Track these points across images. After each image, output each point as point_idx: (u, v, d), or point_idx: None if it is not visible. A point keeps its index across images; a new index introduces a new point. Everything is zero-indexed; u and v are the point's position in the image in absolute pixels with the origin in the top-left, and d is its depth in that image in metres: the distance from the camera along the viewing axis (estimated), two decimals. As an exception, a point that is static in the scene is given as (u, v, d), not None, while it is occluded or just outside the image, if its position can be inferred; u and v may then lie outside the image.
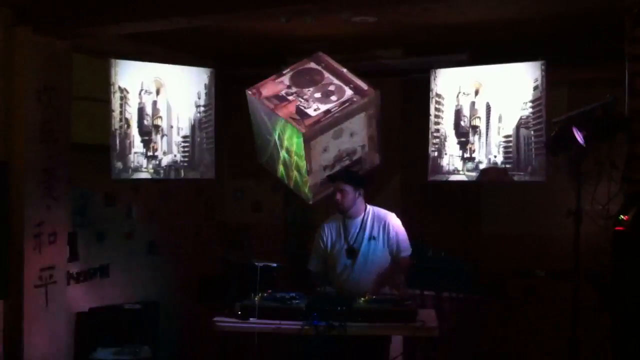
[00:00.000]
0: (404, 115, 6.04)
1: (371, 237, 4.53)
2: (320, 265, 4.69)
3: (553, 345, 5.08)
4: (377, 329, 4.09)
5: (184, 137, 5.63)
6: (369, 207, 4.63)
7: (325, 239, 4.66)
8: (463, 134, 5.30)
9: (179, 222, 6.39)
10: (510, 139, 5.15)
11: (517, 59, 5.15)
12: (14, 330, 4.73)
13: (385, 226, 4.54)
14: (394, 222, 4.58)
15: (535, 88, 5.04)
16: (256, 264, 4.25)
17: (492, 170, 5.18)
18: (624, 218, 3.42)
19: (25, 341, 4.73)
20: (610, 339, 3.71)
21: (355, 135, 5.14)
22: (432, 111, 5.41)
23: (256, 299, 4.23)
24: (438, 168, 5.41)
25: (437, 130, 5.39)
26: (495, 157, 5.21)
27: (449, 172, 5.37)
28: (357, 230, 4.57)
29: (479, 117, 5.25)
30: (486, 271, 5.70)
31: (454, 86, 5.36)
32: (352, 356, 4.22)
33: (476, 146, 5.24)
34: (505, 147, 5.18)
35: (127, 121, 5.36)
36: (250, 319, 4.13)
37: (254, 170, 6.00)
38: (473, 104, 5.28)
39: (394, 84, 5.96)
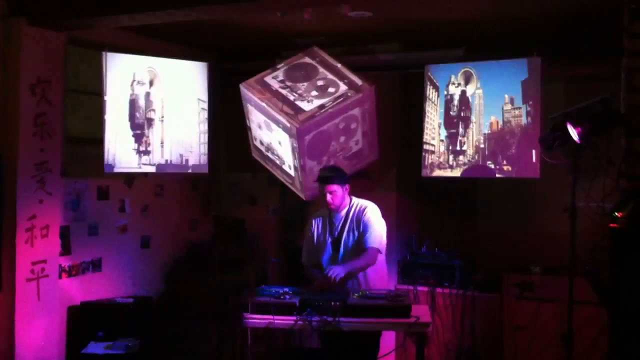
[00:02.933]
0: (401, 110, 6.01)
1: (353, 229, 4.59)
2: (312, 258, 4.71)
3: (549, 341, 5.07)
4: (371, 325, 4.08)
5: (178, 131, 5.61)
6: (354, 199, 4.69)
7: (313, 232, 4.74)
8: (453, 125, 5.29)
9: (173, 216, 6.37)
10: (506, 134, 5.13)
11: (514, 55, 5.13)
12: (6, 324, 4.72)
13: (361, 215, 4.59)
14: (369, 211, 4.62)
15: (532, 83, 5.01)
16: (252, 259, 4.23)
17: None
18: (618, 215, 3.41)
19: (17, 335, 4.72)
20: (608, 335, 3.69)
21: (349, 131, 5.13)
22: (426, 108, 5.40)
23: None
24: (432, 164, 5.39)
25: (432, 126, 5.37)
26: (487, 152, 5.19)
27: (443, 168, 5.36)
28: (341, 222, 4.64)
29: (470, 109, 5.24)
30: (481, 267, 5.70)
31: (445, 79, 5.34)
32: (343, 350, 4.22)
33: (467, 139, 5.23)
34: (499, 143, 5.16)
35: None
36: (244, 314, 4.12)
37: (250, 164, 5.99)
38: (464, 92, 5.26)
39: (391, 78, 5.93)
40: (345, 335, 4.04)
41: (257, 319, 4.09)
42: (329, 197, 4.55)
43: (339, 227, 4.63)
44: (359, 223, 4.58)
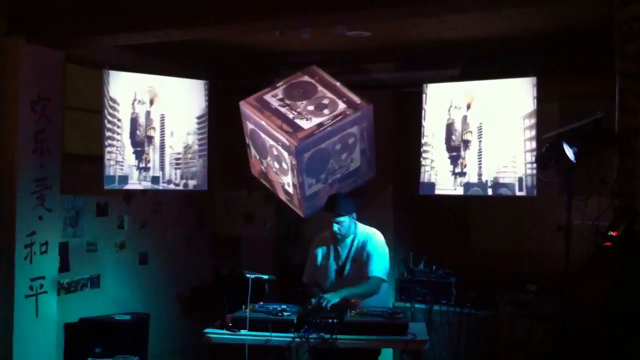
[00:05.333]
0: (397, 129, 6.06)
1: (357, 258, 4.57)
2: (313, 279, 4.73)
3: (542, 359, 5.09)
4: (368, 342, 4.09)
5: (178, 147, 5.64)
6: (360, 227, 4.67)
7: (316, 256, 4.71)
8: (454, 149, 5.31)
9: (170, 232, 6.38)
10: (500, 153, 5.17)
11: (509, 75, 5.17)
12: (4, 340, 4.72)
13: (366, 244, 4.57)
14: (374, 241, 4.60)
15: (527, 103, 5.05)
16: (247, 275, 4.24)
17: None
18: (613, 234, 3.45)
19: (15, 351, 4.72)
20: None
21: (347, 149, 5.17)
22: (424, 125, 5.43)
23: (247, 310, 4.23)
24: (429, 182, 5.42)
25: (428, 144, 5.39)
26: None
27: (440, 187, 5.38)
28: (346, 250, 4.62)
29: (471, 132, 5.26)
30: (477, 285, 5.71)
31: (445, 100, 5.37)
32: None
33: (467, 161, 5.25)
34: (494, 162, 5.19)
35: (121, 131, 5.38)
36: (241, 331, 4.13)
37: (246, 181, 6.01)
38: (465, 117, 5.29)
39: (387, 97, 5.98)
40: (343, 352, 4.06)
41: (254, 336, 4.11)
42: (336, 227, 4.50)
43: (344, 256, 4.60)
44: (363, 252, 4.54)
